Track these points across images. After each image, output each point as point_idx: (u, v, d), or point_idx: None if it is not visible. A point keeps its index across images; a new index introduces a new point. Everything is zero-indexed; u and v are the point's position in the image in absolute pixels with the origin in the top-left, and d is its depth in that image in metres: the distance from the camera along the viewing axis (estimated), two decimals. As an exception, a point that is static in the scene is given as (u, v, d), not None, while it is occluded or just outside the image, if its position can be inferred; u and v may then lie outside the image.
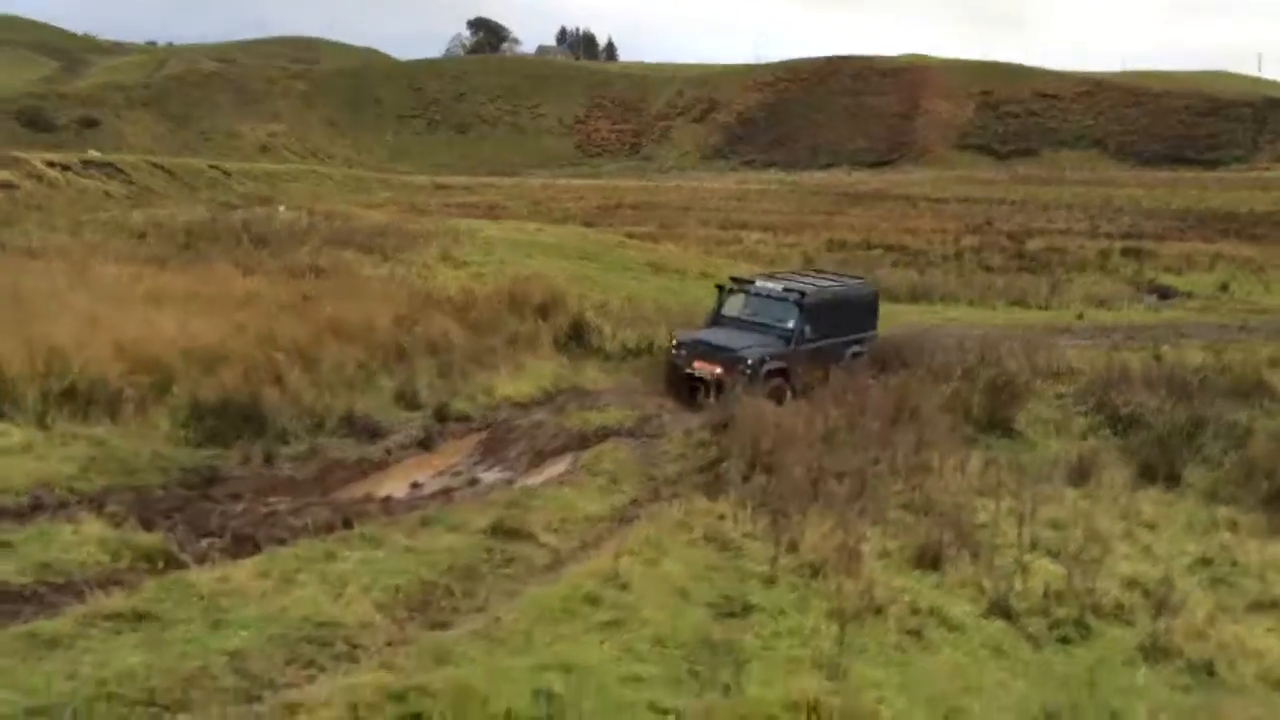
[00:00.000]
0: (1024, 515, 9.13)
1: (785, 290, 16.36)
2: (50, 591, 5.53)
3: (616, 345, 20.37)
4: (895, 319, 24.71)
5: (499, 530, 7.63)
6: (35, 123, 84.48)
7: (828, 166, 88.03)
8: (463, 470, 11.64)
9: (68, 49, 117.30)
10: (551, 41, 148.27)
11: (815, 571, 7.55)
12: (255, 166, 71.40)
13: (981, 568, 8.08)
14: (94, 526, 6.60)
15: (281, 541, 6.88)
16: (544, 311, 20.87)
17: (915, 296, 27.85)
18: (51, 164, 51.25)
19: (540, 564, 7.16)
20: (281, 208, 37.30)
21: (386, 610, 5.79)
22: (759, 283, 16.96)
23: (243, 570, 5.97)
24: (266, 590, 5.71)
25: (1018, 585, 7.75)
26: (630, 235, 38.06)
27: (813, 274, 19.61)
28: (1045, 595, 7.54)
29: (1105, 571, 8.21)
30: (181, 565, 6.42)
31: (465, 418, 13.50)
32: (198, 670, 4.54)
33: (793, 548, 8.08)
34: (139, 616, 5.12)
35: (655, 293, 24.18)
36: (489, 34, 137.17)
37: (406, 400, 13.54)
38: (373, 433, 12.20)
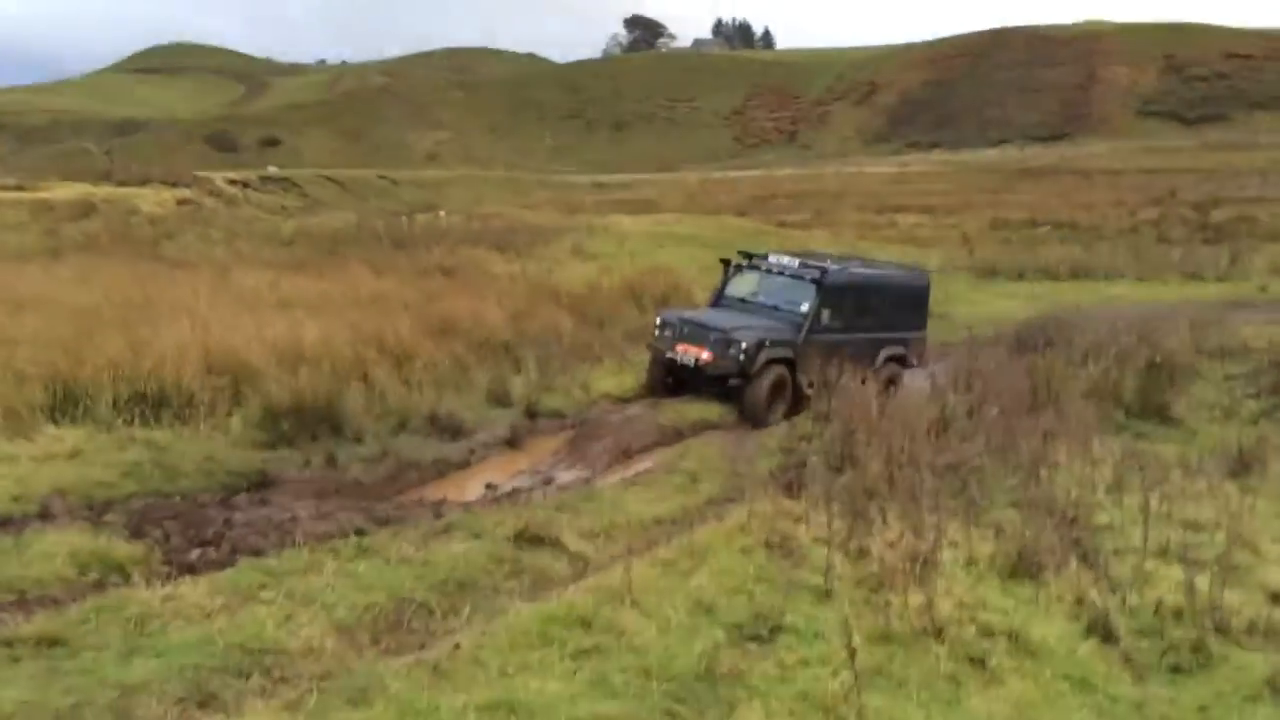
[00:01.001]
0: (1155, 512, 7.77)
1: (802, 266, 13.72)
2: (-16, 610, 5.13)
3: (735, 336, 19.55)
4: (1048, 299, 22.90)
5: (523, 537, 6.90)
6: (222, 144, 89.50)
7: (998, 144, 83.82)
8: (542, 470, 11.00)
9: (250, 72, 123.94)
10: (708, 34, 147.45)
11: (880, 583, 6.51)
12: (421, 174, 73.41)
13: (1091, 578, 6.85)
14: (76, 537, 6.21)
15: (269, 551, 6.36)
16: (664, 303, 20.21)
17: (1076, 274, 25.74)
18: (232, 181, 53.93)
19: (557, 576, 6.39)
20: (442, 212, 38.18)
21: (346, 633, 5.14)
22: (773, 257, 14.36)
23: (199, 586, 5.43)
24: (213, 610, 5.14)
25: (1130, 599, 6.50)
26: (782, 224, 36.99)
27: (857, 260, 16.49)
28: (1160, 612, 6.27)
29: (1245, 583, 6.84)
30: (158, 578, 5.97)
31: (558, 414, 12.86)
32: (69, 710, 3.98)
33: (862, 554, 7.06)
34: (51, 642, 4.63)
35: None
36: (645, 31, 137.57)
37: (498, 397, 12.99)
38: (456, 432, 11.67)
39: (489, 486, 10.16)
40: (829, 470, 9.51)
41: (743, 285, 14.36)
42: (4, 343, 10.80)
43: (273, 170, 63.55)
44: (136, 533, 6.56)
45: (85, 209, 39.09)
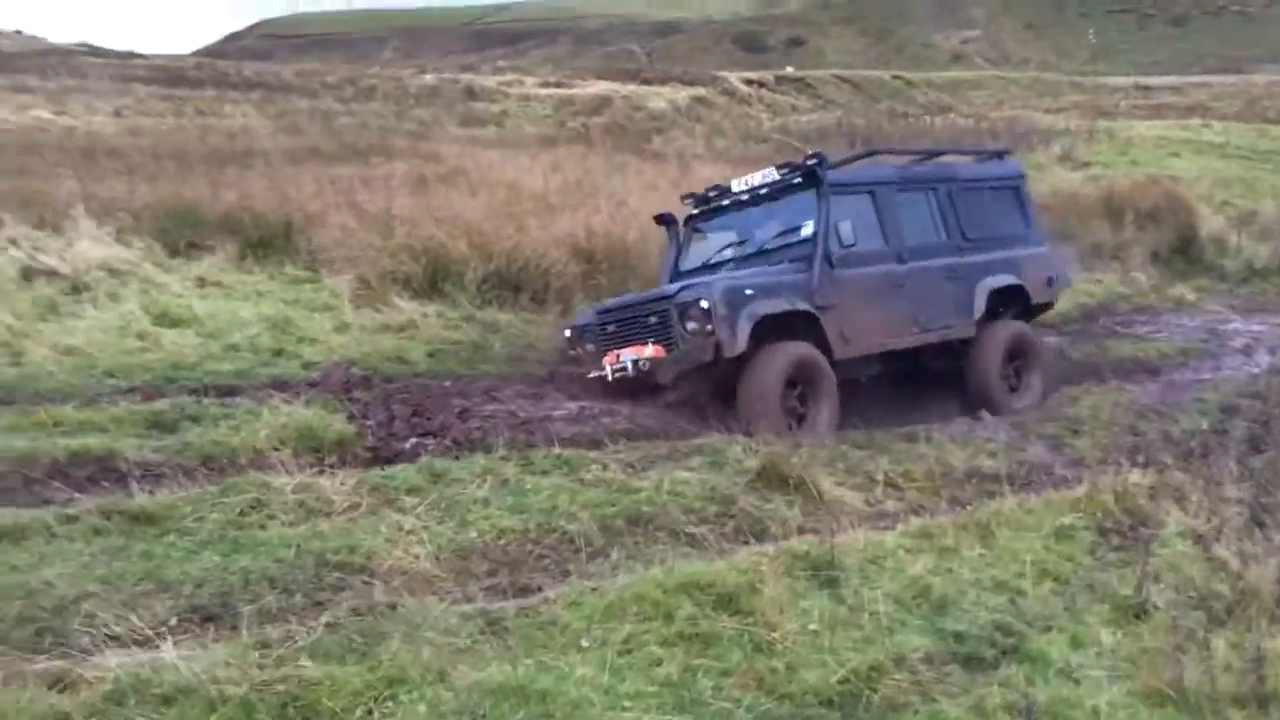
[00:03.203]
0: None
1: (786, 169, 8.37)
2: (146, 474, 5.06)
3: (1240, 263, 16.03)
4: None
5: (764, 475, 5.71)
6: (749, 44, 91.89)
7: None
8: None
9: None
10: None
11: (1230, 611, 4.53)
12: (941, 75, 70.16)
13: None
14: (302, 411, 6.08)
15: (485, 450, 5.77)
16: (1152, 218, 17.16)
17: None
18: (749, 81, 55.14)
19: (772, 529, 5.15)
20: (951, 115, 36.45)
21: (459, 559, 4.39)
22: (736, 183, 8.78)
23: (346, 482, 4.97)
24: (335, 510, 4.64)
25: None
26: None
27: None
28: None
29: None
30: (351, 463, 5.66)
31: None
32: (77, 594, 3.64)
33: (1221, 565, 5.02)
34: (146, 519, 4.38)
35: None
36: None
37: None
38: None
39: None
40: (1243, 444, 7.11)
41: (706, 245, 8.94)
42: (427, 219, 11.27)
43: (789, 71, 63.99)
44: (364, 414, 6.33)
45: (602, 104, 41.79)
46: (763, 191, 8.45)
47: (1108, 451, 7.19)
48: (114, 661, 3.22)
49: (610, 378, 7.44)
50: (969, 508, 5.59)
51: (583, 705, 3.29)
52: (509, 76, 48.43)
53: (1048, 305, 9.80)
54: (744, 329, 7.19)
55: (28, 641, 3.41)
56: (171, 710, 2.98)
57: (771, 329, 7.40)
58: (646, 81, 50.57)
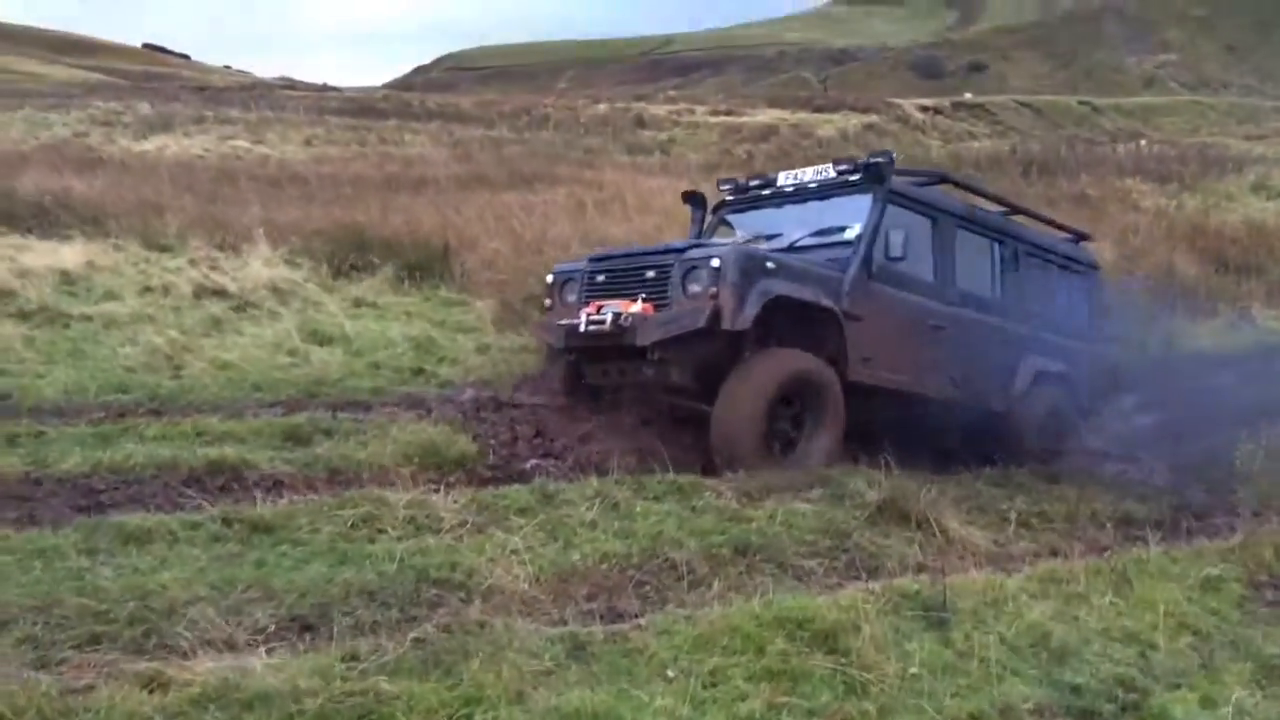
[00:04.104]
0: None
1: (844, 166, 7.33)
2: (274, 485, 5.26)
3: None
4: None
5: (885, 510, 5.49)
6: (927, 70, 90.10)
7: None
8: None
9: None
10: None
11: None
12: (1131, 100, 67.24)
13: None
14: (425, 429, 6.21)
15: (602, 474, 5.75)
16: (1342, 253, 15.99)
17: None
18: (924, 108, 54.18)
19: (889, 565, 4.93)
20: (1143, 141, 35.16)
21: (560, 581, 4.36)
22: (785, 176, 7.82)
23: (460, 499, 5.02)
24: (444, 527, 4.67)
25: None
26: None
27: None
28: None
29: None
30: (480, 480, 5.74)
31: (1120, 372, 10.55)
32: (189, 597, 3.79)
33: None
34: (265, 528, 4.52)
35: None
36: None
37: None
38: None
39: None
40: None
41: (731, 239, 7.88)
42: (579, 244, 11.45)
43: (967, 97, 62.54)
44: (489, 434, 6.42)
45: (769, 132, 41.74)
46: (811, 186, 7.55)
47: (1275, 501, 6.65)
48: (207, 665, 3.32)
49: (582, 328, 6.51)
50: (1106, 553, 5.23)
51: (649, 732, 3.22)
52: (679, 105, 48.94)
53: (1086, 413, 8.57)
54: (753, 304, 6.19)
55: (134, 642, 3.56)
56: (250, 716, 3.06)
57: (782, 325, 6.49)
58: (818, 109, 50.27)
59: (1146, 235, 16.29)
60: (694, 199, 8.32)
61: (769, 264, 6.42)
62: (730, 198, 8.14)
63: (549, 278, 7.40)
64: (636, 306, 6.41)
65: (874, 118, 49.33)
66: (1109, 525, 5.98)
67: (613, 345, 6.54)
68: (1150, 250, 15.08)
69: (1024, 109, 60.91)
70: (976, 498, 6.21)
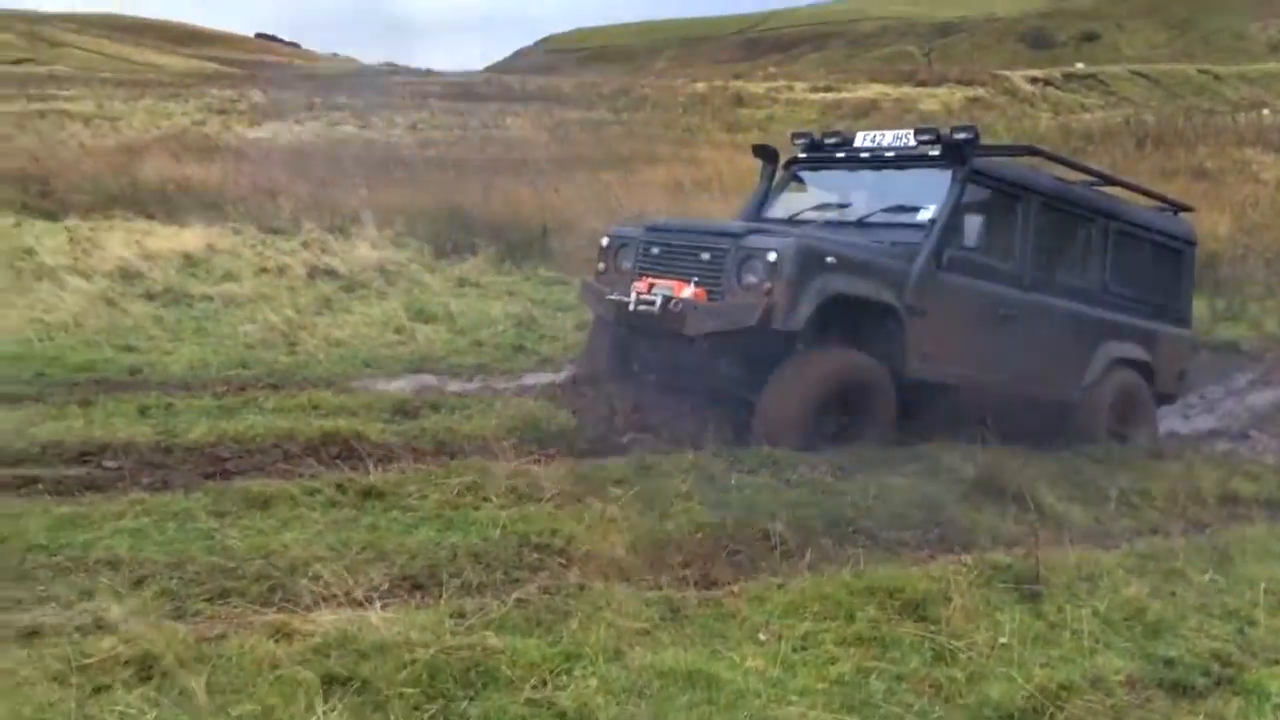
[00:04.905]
0: None
1: (925, 137, 6.91)
2: (384, 455, 5.50)
3: None
4: None
5: (980, 485, 5.49)
6: (1037, 41, 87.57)
7: None
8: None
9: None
10: None
11: None
12: (1255, 68, 64.40)
13: None
14: (526, 403, 6.41)
15: (698, 447, 5.87)
16: None
17: None
18: (1034, 80, 52.82)
19: (972, 542, 4.94)
20: (1266, 111, 33.90)
21: (655, 549, 4.46)
22: (862, 136, 7.40)
23: (559, 469, 5.21)
24: (543, 495, 4.88)
25: None
26: None
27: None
28: None
29: None
30: (579, 453, 5.92)
31: (1230, 346, 10.31)
32: (308, 556, 4.04)
33: None
34: (378, 495, 4.75)
35: None
36: None
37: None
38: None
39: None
40: None
41: (800, 198, 7.70)
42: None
43: (1079, 67, 60.81)
44: (588, 409, 6.57)
45: (870, 107, 41.16)
46: (889, 154, 7.12)
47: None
48: (327, 618, 3.56)
49: (632, 307, 6.37)
50: (1208, 530, 5.17)
51: (748, 695, 3.34)
52: (778, 82, 48.59)
53: (1168, 398, 8.40)
54: (809, 303, 5.98)
55: (260, 596, 3.82)
56: (366, 664, 3.27)
57: (839, 317, 6.23)
58: (921, 83, 49.42)
59: (1267, 208, 15.74)
60: (765, 152, 8.01)
61: (829, 258, 6.14)
62: (804, 154, 7.82)
63: (603, 240, 7.18)
64: (688, 291, 6.25)
65: (980, 90, 48.29)
66: (1212, 503, 5.89)
67: (659, 331, 6.48)
68: (1271, 224, 14.59)
69: (1139, 79, 58.93)
70: (1077, 475, 6.18)
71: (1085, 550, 4.75)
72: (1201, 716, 3.49)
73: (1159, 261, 8.20)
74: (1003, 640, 3.86)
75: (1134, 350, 7.80)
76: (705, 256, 6.37)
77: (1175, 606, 4.32)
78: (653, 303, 6.28)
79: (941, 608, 3.95)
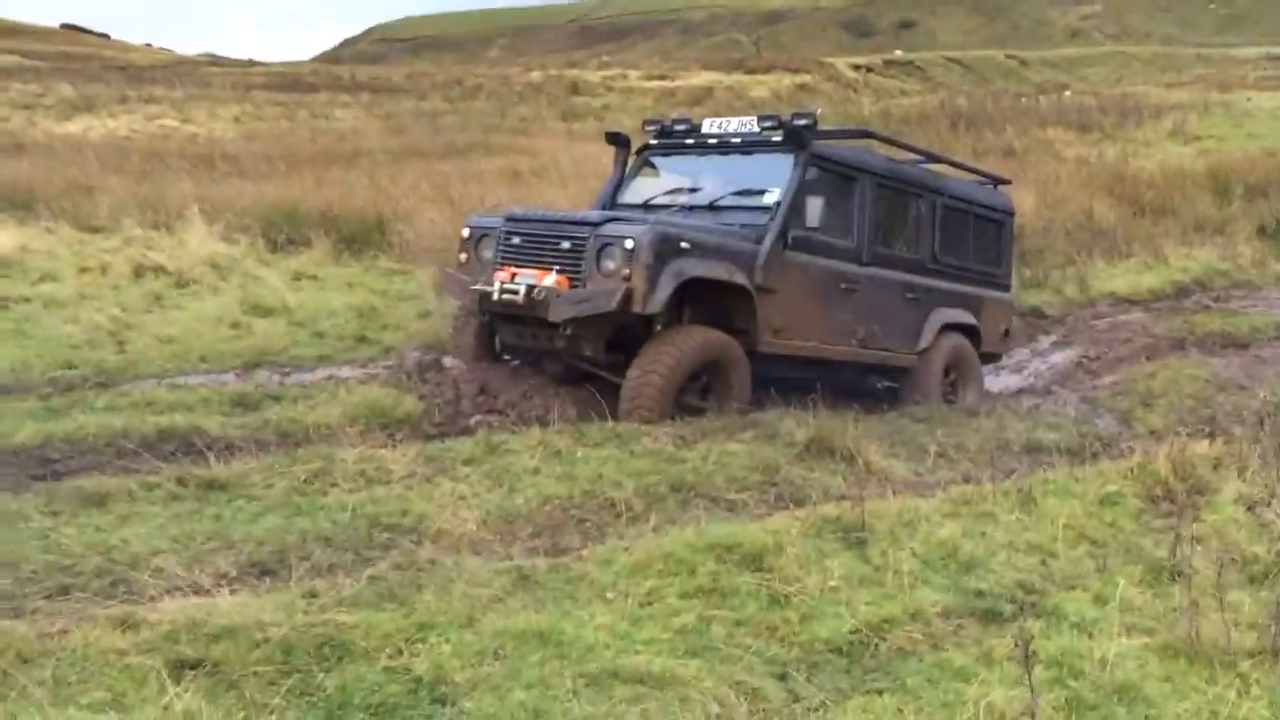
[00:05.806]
0: None
1: (768, 123, 7.39)
2: (226, 448, 5.45)
3: (1361, 237, 15.38)
4: None
5: (812, 447, 5.83)
6: (858, 29, 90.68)
7: None
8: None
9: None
10: None
11: (1267, 573, 4.50)
12: (1057, 53, 68.31)
13: None
14: (371, 391, 6.44)
15: (545, 425, 6.02)
16: (1262, 192, 16.60)
17: None
18: (855, 66, 54.55)
19: (806, 498, 5.26)
20: (1068, 93, 35.88)
21: (506, 523, 4.64)
22: (709, 123, 7.95)
23: (407, 453, 5.27)
24: (393, 478, 4.92)
25: None
26: None
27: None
28: None
29: None
30: (427, 436, 5.99)
31: (1035, 313, 11.04)
32: (146, 553, 4.01)
33: (1266, 529, 4.97)
34: (219, 486, 4.72)
35: None
36: None
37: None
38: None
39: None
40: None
41: (654, 183, 8.03)
42: None
43: (897, 54, 63.18)
44: (433, 394, 6.64)
45: (703, 94, 41.82)
46: (735, 140, 7.57)
47: (1177, 424, 7.10)
48: (174, 607, 3.55)
49: (496, 296, 6.52)
50: (1014, 476, 5.62)
51: (597, 648, 3.50)
52: (613, 71, 48.82)
53: (994, 357, 9.14)
54: (666, 286, 6.27)
55: (103, 590, 3.77)
56: (217, 646, 3.29)
57: (693, 298, 6.60)
58: (751, 71, 50.37)
59: (1068, 183, 16.81)
60: (617, 139, 8.25)
61: (683, 244, 6.47)
62: (655, 140, 8.16)
63: (464, 230, 7.32)
64: (550, 279, 6.45)
65: (807, 77, 49.59)
66: (1019, 451, 6.39)
67: (523, 320, 6.69)
68: (1071, 197, 15.60)
69: (953, 65, 61.73)
70: (900, 433, 6.58)
71: (907, 499, 5.09)
72: (1008, 638, 3.83)
73: (982, 232, 8.80)
74: (832, 583, 4.15)
75: (962, 315, 8.42)
76: (565, 245, 6.61)
77: (986, 544, 4.70)
78: (516, 291, 6.45)
79: (776, 558, 4.20)
